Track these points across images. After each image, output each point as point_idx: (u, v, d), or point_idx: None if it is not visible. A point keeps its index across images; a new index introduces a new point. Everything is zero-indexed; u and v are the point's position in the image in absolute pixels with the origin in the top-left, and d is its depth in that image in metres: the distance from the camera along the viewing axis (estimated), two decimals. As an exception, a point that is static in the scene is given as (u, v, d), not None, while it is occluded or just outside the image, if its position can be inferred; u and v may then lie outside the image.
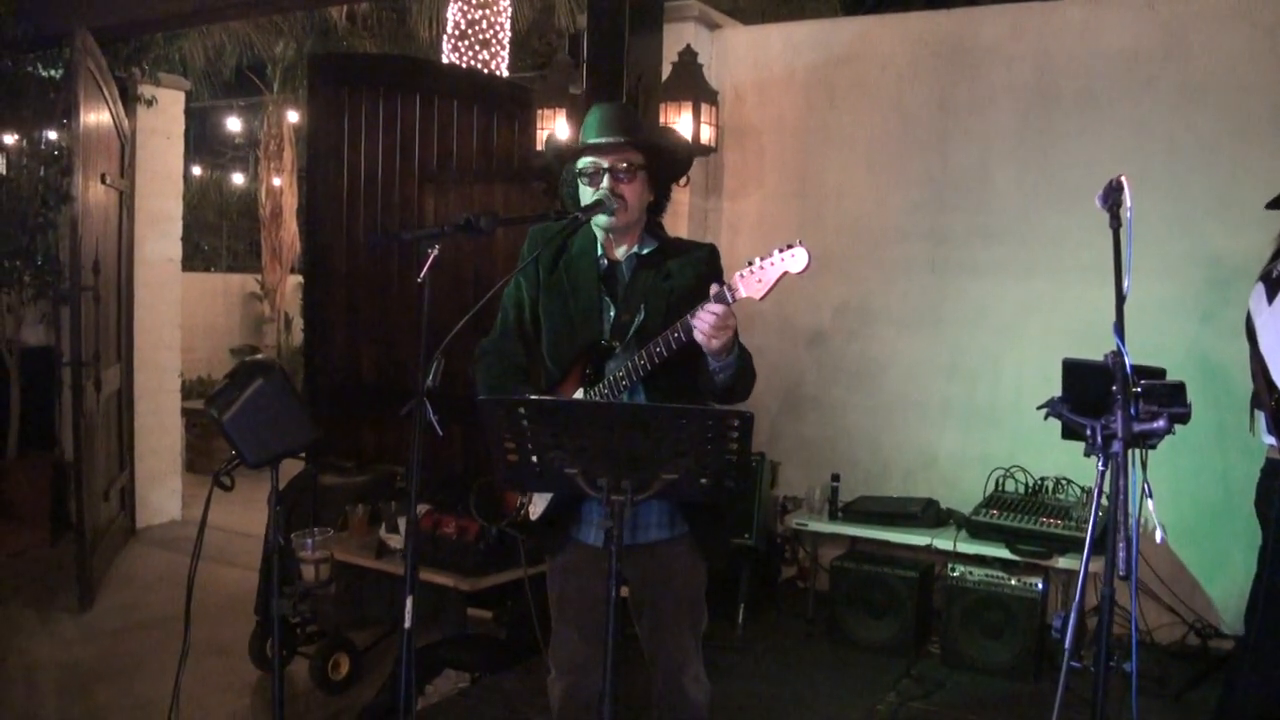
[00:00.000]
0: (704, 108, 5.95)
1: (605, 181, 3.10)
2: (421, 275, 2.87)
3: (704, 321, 2.79)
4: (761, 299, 2.84)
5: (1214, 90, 5.62)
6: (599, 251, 3.24)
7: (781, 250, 2.80)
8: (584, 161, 3.16)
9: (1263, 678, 3.89)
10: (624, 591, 3.12)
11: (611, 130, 3.13)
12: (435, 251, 2.90)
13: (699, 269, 3.21)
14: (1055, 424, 3.12)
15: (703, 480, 2.60)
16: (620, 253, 3.24)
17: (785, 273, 2.80)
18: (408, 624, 2.85)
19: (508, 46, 11.82)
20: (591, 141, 3.13)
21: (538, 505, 3.19)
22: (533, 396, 3.02)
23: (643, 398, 3.08)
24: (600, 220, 3.14)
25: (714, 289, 2.83)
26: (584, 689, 3.23)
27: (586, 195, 3.14)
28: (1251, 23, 5.54)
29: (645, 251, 3.23)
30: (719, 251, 3.32)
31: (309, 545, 4.78)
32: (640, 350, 2.99)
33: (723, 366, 2.93)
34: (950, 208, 6.26)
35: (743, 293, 2.83)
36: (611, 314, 3.17)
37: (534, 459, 2.65)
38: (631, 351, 3.07)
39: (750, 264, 2.84)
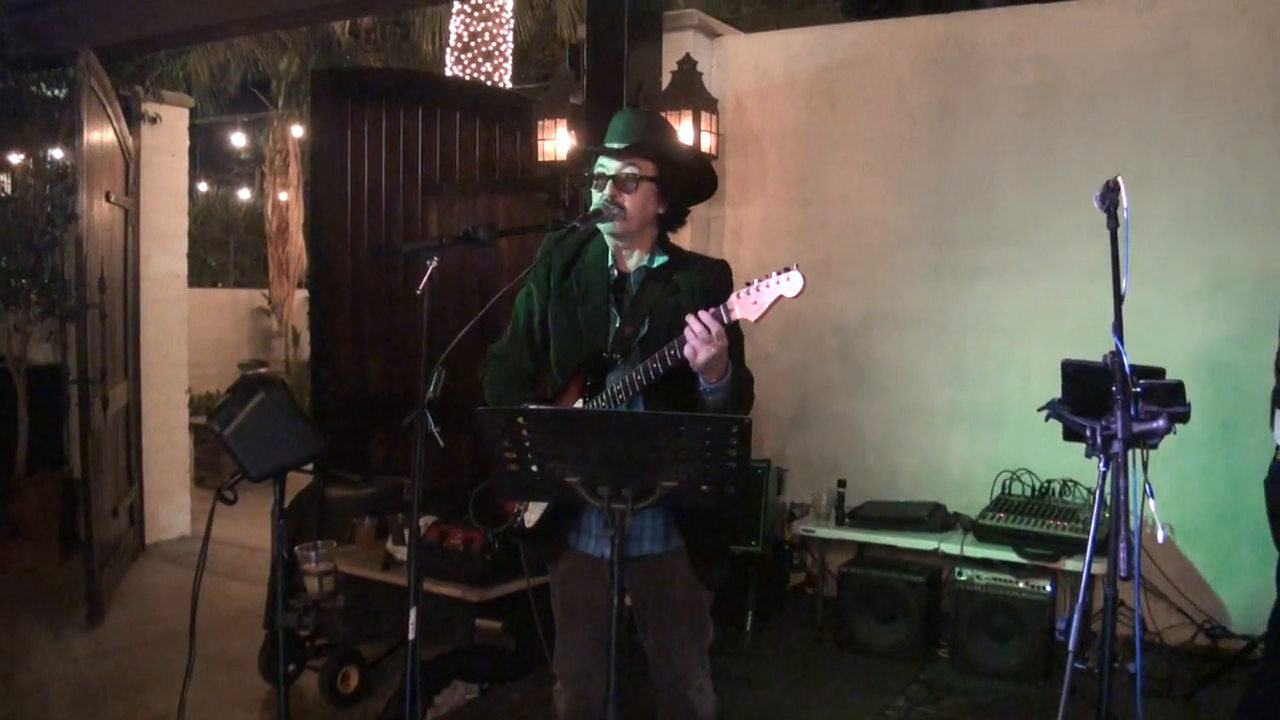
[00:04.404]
0: (704, 116, 5.95)
1: (608, 189, 3.10)
2: (420, 287, 2.87)
3: (692, 328, 2.79)
4: (757, 321, 2.82)
5: (1216, 89, 5.62)
6: (610, 261, 3.23)
7: (778, 274, 2.78)
8: (596, 167, 3.16)
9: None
10: (626, 600, 3.12)
11: (621, 137, 3.13)
12: (434, 263, 2.91)
13: (706, 284, 3.17)
14: (1060, 425, 3.13)
15: (704, 487, 2.59)
16: (631, 264, 3.23)
17: (780, 296, 2.78)
18: (412, 635, 2.86)
19: (510, 59, 11.85)
20: (603, 147, 3.14)
21: (533, 513, 3.19)
22: (531, 406, 3.02)
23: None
24: (604, 227, 3.14)
25: (706, 311, 2.82)
26: (589, 698, 3.23)
27: (596, 201, 3.15)
28: (1251, 21, 5.53)
29: (656, 264, 3.21)
30: (730, 268, 3.30)
31: (312, 558, 4.80)
32: (639, 364, 2.98)
33: (713, 389, 2.91)
34: (953, 211, 6.26)
35: (738, 313, 2.81)
36: (616, 325, 3.17)
37: (534, 468, 2.65)
38: (633, 364, 3.07)
39: (747, 285, 2.82)
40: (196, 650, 3.52)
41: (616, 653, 2.60)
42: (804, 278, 2.77)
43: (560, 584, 3.31)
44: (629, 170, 3.10)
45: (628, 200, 3.10)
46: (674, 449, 2.52)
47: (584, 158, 3.21)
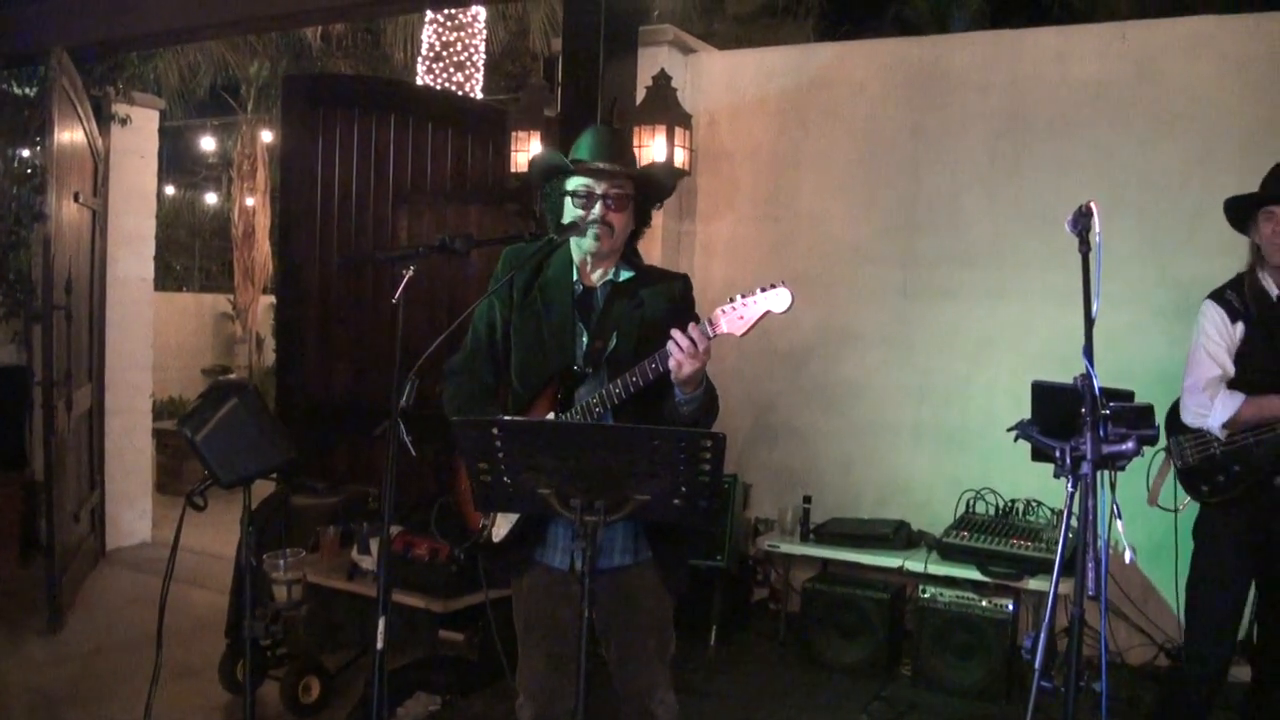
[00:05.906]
0: (678, 131, 5.98)
1: (597, 208, 3.09)
2: (396, 296, 2.87)
3: (679, 342, 2.79)
4: (742, 336, 2.85)
5: (1184, 119, 5.69)
6: (574, 276, 3.22)
7: (765, 289, 2.81)
8: (576, 182, 3.13)
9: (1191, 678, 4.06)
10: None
11: (611, 157, 3.12)
12: (410, 272, 2.91)
13: (672, 299, 3.21)
14: (1026, 446, 3.15)
15: (676, 501, 2.60)
16: (596, 278, 3.22)
17: (767, 311, 2.81)
18: (380, 645, 2.85)
19: (482, 69, 11.86)
20: (590, 164, 3.11)
21: (501, 527, 3.17)
22: (506, 417, 3.02)
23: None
24: (585, 245, 3.12)
25: (694, 326, 2.83)
26: (553, 714, 3.22)
27: (569, 215, 3.13)
28: (1220, 53, 5.61)
29: (621, 279, 3.22)
30: (692, 282, 3.32)
31: (281, 566, 4.77)
32: (615, 378, 2.98)
33: (689, 399, 2.94)
34: (922, 232, 6.31)
35: (724, 328, 2.83)
36: (584, 340, 3.16)
37: (506, 479, 2.65)
38: (602, 378, 3.07)
39: (732, 300, 2.84)
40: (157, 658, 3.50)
41: (583, 666, 2.60)
42: (792, 294, 2.79)
43: (524, 598, 3.29)
44: (617, 191, 3.11)
45: (616, 220, 3.11)
46: (648, 462, 2.54)
47: (558, 170, 3.19)
